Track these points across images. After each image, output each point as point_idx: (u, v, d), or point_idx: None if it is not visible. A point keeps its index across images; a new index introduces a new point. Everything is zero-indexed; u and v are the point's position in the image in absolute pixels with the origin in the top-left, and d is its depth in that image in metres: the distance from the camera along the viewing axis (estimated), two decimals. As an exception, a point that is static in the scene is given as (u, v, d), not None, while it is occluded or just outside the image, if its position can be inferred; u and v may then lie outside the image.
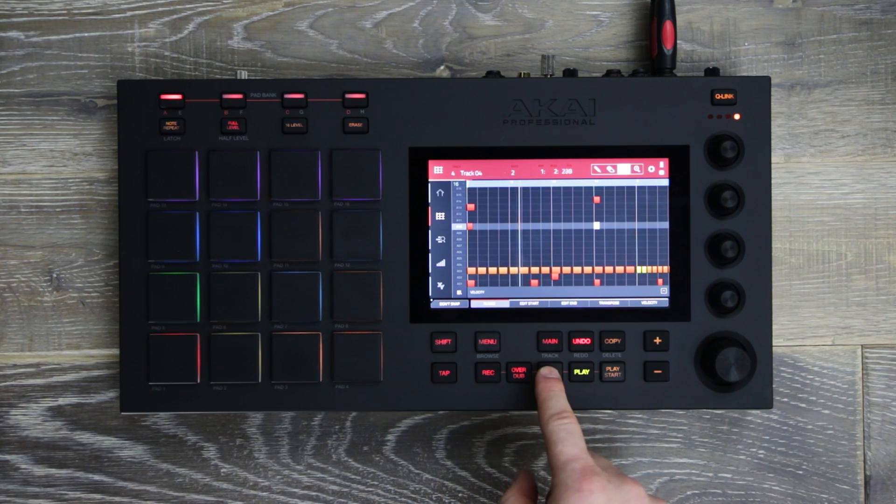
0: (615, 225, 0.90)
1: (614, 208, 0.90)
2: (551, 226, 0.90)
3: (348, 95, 0.90)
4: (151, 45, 0.95)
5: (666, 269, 0.90)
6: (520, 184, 0.90)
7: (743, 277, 0.90)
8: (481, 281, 0.90)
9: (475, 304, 0.90)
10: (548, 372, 0.88)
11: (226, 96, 0.90)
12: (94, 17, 0.95)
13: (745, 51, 0.95)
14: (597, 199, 0.90)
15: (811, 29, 0.95)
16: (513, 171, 0.90)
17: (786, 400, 0.95)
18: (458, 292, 0.90)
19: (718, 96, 0.90)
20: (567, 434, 0.82)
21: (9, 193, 0.95)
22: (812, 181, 0.95)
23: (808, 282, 0.95)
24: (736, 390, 0.90)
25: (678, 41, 0.95)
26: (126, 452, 0.95)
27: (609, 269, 0.90)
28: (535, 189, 0.90)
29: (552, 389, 0.86)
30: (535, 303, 0.90)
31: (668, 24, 0.92)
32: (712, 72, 0.91)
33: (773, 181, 0.94)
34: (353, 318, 0.90)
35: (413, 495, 0.95)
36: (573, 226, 0.90)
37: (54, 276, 0.95)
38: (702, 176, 0.90)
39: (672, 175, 0.90)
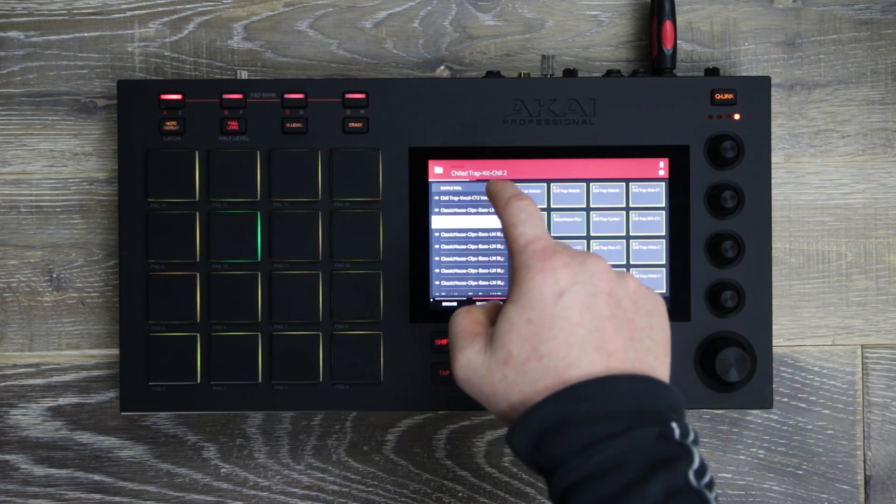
0: (615, 225, 0.90)
1: (614, 208, 0.90)
2: (551, 226, 0.90)
3: (348, 95, 0.90)
4: (151, 45, 0.95)
5: (666, 268, 0.90)
6: (520, 184, 0.90)
7: (743, 277, 0.90)
8: (481, 281, 0.90)
9: (475, 304, 0.90)
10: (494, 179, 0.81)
11: (226, 96, 0.90)
12: (94, 17, 0.95)
13: (745, 51, 0.95)
14: (596, 198, 0.90)
15: (811, 29, 0.95)
16: (513, 172, 0.90)
17: (786, 400, 0.95)
18: (458, 292, 0.90)
19: (718, 96, 0.90)
20: (528, 215, 0.75)
21: (9, 193, 0.95)
22: (812, 181, 0.95)
23: (808, 282, 0.95)
24: (736, 390, 0.90)
25: (678, 41, 0.95)
26: (126, 452, 0.95)
27: (609, 269, 0.90)
28: (535, 189, 0.90)
29: (503, 182, 0.79)
30: (535, 303, 0.90)
31: (668, 24, 0.92)
32: (712, 72, 0.91)
33: (773, 181, 0.94)
34: (353, 318, 0.90)
35: (413, 495, 0.95)
36: (573, 226, 0.90)
37: (54, 276, 0.95)
38: (702, 176, 0.90)
39: (672, 175, 0.90)
